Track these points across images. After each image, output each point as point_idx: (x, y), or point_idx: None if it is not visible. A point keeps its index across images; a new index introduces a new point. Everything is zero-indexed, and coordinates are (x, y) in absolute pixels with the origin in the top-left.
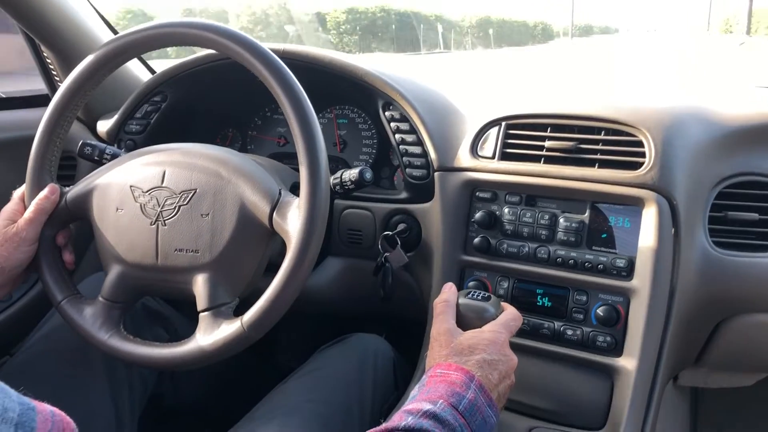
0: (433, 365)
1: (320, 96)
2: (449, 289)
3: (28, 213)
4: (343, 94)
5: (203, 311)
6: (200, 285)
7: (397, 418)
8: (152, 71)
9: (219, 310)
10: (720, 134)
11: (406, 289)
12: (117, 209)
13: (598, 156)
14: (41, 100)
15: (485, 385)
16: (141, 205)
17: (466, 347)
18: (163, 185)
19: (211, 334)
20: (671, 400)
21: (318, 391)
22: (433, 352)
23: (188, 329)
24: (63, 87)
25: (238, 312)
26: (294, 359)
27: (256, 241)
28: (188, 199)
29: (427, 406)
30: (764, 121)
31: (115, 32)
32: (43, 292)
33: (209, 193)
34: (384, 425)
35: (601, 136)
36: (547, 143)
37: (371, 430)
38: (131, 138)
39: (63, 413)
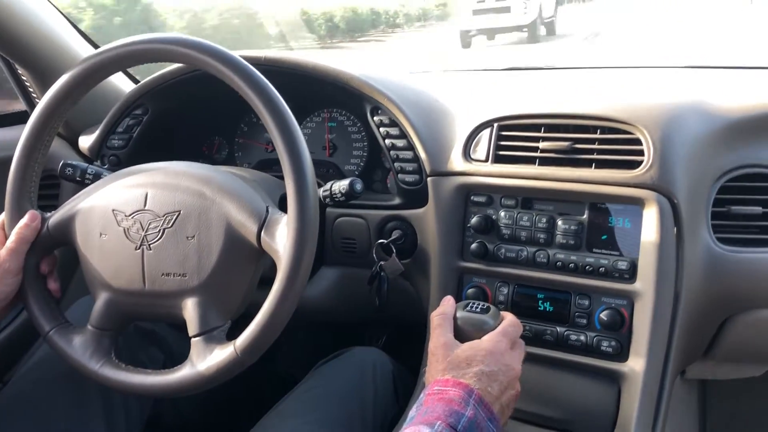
0: (431, 381)
1: (308, 99)
2: (447, 302)
3: (10, 243)
4: (331, 97)
5: (195, 336)
6: (190, 309)
7: None
8: (135, 81)
9: (211, 334)
10: (720, 127)
11: (404, 297)
12: (100, 234)
13: (595, 156)
14: (21, 118)
15: (485, 399)
16: (125, 230)
17: (463, 360)
18: (146, 208)
19: (204, 360)
20: (679, 394)
21: (316, 411)
22: (431, 367)
23: (184, 347)
24: (38, 109)
25: (233, 333)
26: (295, 366)
27: (245, 261)
28: (172, 221)
29: (425, 431)
30: (765, 112)
31: (95, 46)
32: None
33: (194, 215)
34: None
35: (597, 135)
36: (542, 144)
37: None
38: (114, 153)
39: None
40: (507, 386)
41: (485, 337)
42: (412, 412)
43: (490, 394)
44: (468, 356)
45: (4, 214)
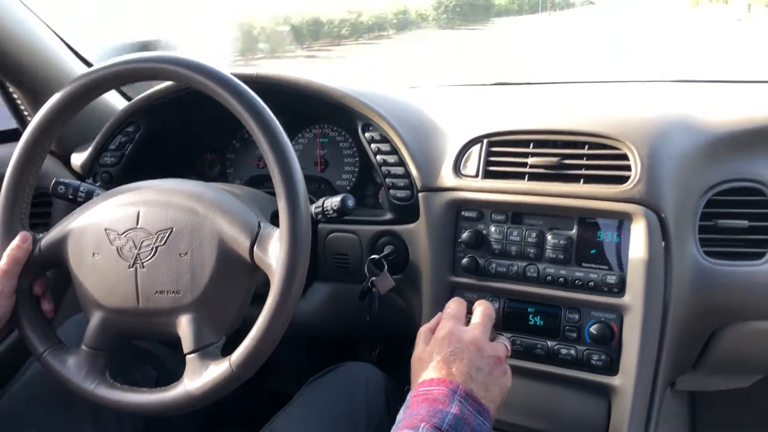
0: (416, 385)
1: (300, 115)
2: (436, 319)
3: (2, 265)
4: (323, 113)
5: (190, 353)
6: (184, 326)
7: None
8: (128, 98)
9: (206, 351)
10: (706, 141)
11: (397, 312)
12: (93, 254)
13: (583, 171)
14: (13, 135)
15: (470, 391)
16: (117, 248)
17: (425, 360)
18: (139, 226)
19: (199, 377)
20: (669, 406)
21: (308, 428)
22: (411, 381)
23: (177, 364)
24: (30, 128)
25: (227, 348)
26: (289, 381)
27: (238, 276)
28: (165, 239)
29: None
30: (751, 126)
31: (88, 64)
32: (21, 337)
33: (186, 231)
34: None
35: (585, 151)
36: (531, 160)
37: None
38: (107, 171)
39: None
40: (471, 359)
41: (436, 330)
42: (400, 415)
43: (454, 374)
44: (424, 356)
45: None
